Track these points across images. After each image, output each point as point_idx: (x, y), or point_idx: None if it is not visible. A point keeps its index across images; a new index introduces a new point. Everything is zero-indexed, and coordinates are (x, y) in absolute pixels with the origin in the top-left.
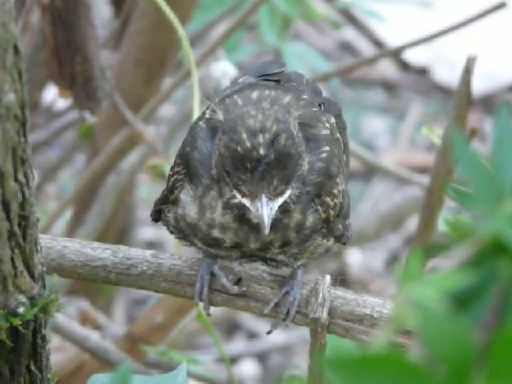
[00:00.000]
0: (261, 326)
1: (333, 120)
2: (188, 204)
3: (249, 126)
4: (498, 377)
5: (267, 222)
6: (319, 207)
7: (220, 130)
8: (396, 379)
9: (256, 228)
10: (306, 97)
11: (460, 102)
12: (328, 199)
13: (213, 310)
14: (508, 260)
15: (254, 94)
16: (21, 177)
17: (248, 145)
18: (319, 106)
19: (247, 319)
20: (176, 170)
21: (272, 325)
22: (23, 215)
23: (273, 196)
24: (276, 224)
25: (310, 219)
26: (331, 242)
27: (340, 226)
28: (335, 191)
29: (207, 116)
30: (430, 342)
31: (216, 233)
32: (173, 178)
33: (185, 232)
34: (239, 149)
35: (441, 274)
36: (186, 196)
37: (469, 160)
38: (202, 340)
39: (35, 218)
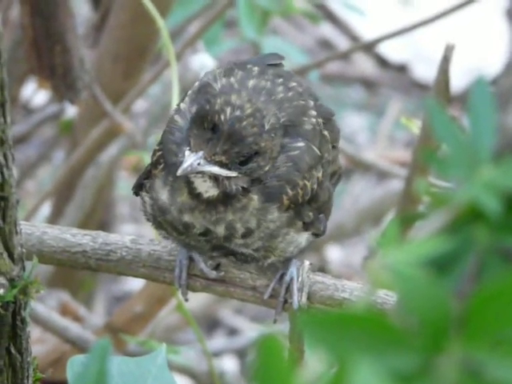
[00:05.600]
0: (241, 322)
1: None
2: (160, 188)
3: (228, 98)
4: (474, 340)
5: (187, 165)
6: (284, 197)
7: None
8: (374, 338)
9: (215, 204)
10: (294, 84)
11: (438, 90)
12: (296, 190)
13: (193, 305)
14: (484, 226)
15: (251, 82)
16: (0, 157)
17: (215, 108)
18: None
19: (227, 316)
20: (159, 147)
21: (275, 312)
22: (2, 196)
23: (210, 159)
24: (232, 201)
25: (275, 214)
26: (304, 238)
27: (310, 213)
28: (302, 183)
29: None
30: (408, 303)
31: (186, 217)
32: (158, 154)
33: (159, 220)
34: (207, 107)
35: (418, 241)
36: (159, 181)
37: (445, 128)
38: (181, 336)
39: (15, 199)
